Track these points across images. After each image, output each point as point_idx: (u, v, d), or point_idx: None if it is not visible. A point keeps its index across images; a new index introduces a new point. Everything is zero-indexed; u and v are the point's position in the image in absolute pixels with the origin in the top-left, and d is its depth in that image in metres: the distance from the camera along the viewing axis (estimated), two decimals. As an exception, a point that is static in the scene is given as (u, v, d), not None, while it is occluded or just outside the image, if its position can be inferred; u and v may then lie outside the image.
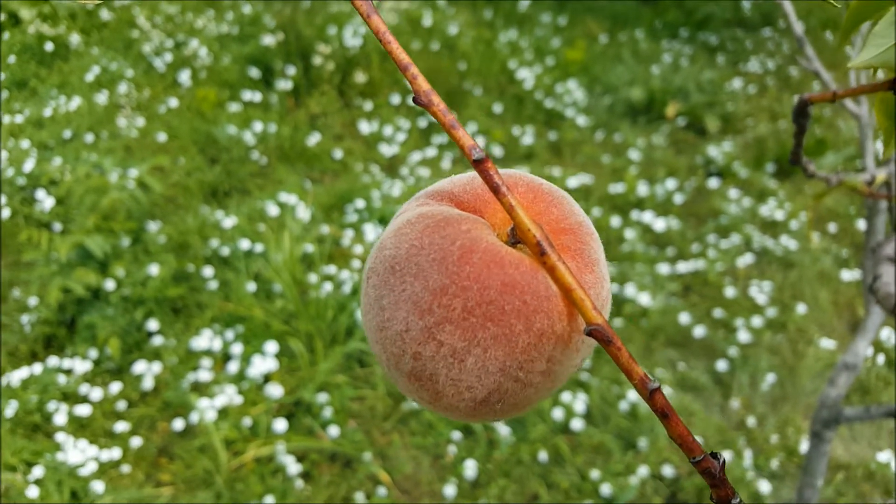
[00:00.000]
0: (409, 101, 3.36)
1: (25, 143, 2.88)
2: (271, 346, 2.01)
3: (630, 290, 2.35)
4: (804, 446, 1.89)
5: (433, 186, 0.38)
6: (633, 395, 1.99)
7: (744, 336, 2.23)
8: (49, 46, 3.55)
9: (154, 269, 2.20)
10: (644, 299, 2.31)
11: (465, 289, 0.31)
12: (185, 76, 3.41)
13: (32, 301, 2.17)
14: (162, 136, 2.99)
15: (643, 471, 1.80)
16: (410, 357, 0.32)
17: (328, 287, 2.21)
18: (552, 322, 0.31)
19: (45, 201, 2.52)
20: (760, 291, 2.43)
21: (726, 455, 1.86)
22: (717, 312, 2.33)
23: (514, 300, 0.31)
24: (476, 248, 0.31)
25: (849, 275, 2.51)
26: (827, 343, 2.23)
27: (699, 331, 2.24)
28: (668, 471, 1.82)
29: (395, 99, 3.37)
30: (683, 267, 2.52)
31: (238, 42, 3.67)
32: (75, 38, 3.66)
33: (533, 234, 0.30)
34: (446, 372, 0.32)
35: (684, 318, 2.28)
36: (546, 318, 0.31)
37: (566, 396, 1.96)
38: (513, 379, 0.32)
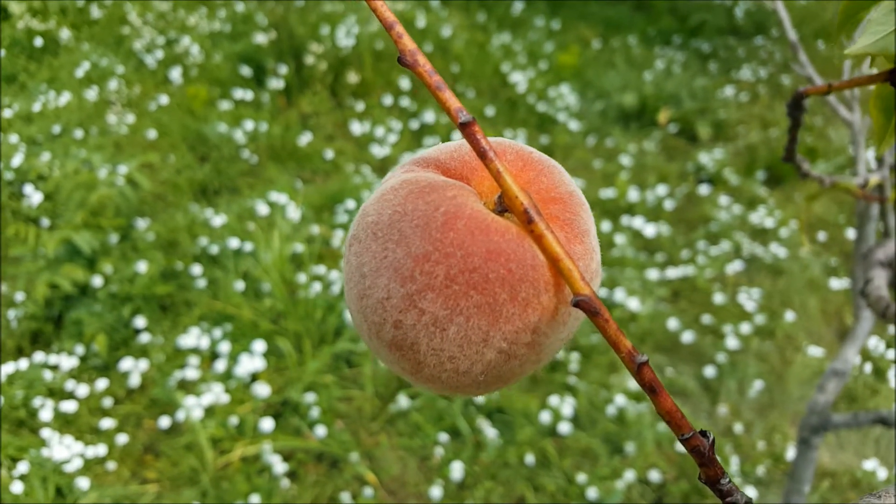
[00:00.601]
0: (402, 103, 3.37)
1: (14, 138, 2.87)
2: (259, 346, 2.02)
3: (619, 294, 2.37)
4: (791, 453, 1.91)
5: (419, 154, 0.37)
6: (620, 399, 2.00)
7: (732, 342, 2.25)
8: (39, 42, 3.55)
9: (142, 267, 2.20)
10: (633, 304, 2.33)
11: (449, 255, 0.30)
12: (176, 73, 3.41)
13: (19, 296, 2.16)
14: (152, 134, 2.99)
15: (630, 475, 1.82)
16: (391, 326, 0.32)
17: (317, 287, 2.21)
18: (538, 292, 0.31)
19: (33, 196, 2.52)
20: (749, 298, 2.45)
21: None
22: (706, 318, 2.35)
23: (498, 268, 0.30)
24: (461, 214, 0.31)
25: (838, 283, 2.54)
26: (815, 350, 2.26)
27: (687, 336, 2.26)
28: (654, 475, 1.83)
29: (388, 100, 3.39)
30: (673, 273, 2.54)
31: (230, 40, 3.68)
32: (65, 34, 3.65)
33: (520, 201, 0.29)
34: (427, 341, 0.31)
35: (673, 323, 2.30)
36: (532, 288, 0.31)
37: (554, 400, 1.98)
38: (496, 350, 0.31)
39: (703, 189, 3.07)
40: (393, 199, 0.33)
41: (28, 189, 2.55)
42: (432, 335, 0.31)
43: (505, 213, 0.33)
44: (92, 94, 3.24)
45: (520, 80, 3.74)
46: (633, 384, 2.07)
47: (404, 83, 3.44)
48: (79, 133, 2.96)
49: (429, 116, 3.26)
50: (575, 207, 0.35)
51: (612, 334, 0.28)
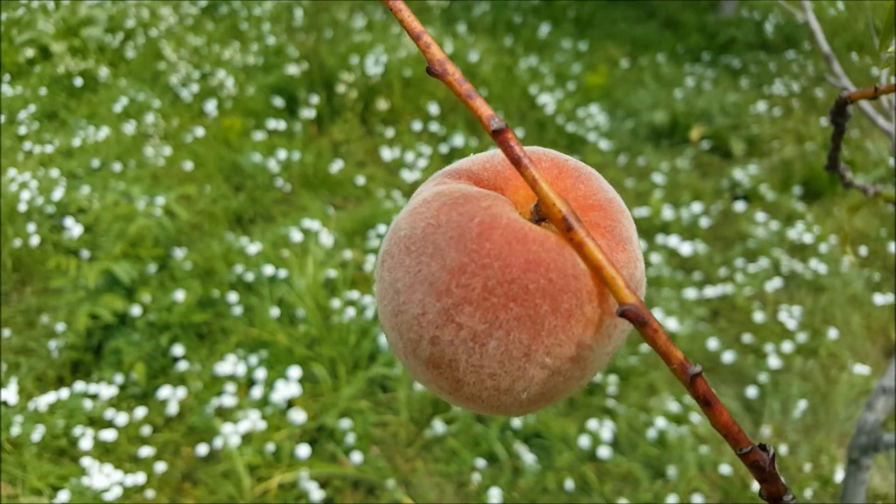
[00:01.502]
0: (431, 128, 3.40)
1: (55, 173, 2.96)
2: (294, 372, 2.03)
3: (657, 315, 2.33)
4: (839, 475, 1.85)
5: (452, 165, 0.36)
6: (661, 422, 1.96)
7: (774, 362, 2.20)
8: (79, 81, 3.66)
9: (180, 295, 2.24)
10: (671, 325, 2.29)
11: (485, 267, 0.29)
12: (211, 106, 3.49)
13: (60, 327, 2.21)
14: (188, 165, 3.06)
15: (672, 500, 1.77)
16: (428, 342, 0.31)
17: (351, 312, 2.22)
18: (581, 302, 0.30)
19: (74, 229, 2.59)
20: (790, 316, 2.40)
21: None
22: (746, 338, 2.30)
23: (538, 278, 0.29)
24: (497, 224, 0.30)
25: (882, 299, 2.47)
26: (860, 369, 2.19)
27: (728, 356, 2.21)
28: (697, 500, 1.78)
29: (417, 125, 3.42)
30: (711, 291, 2.50)
31: (263, 72, 3.76)
32: (104, 71, 3.77)
33: (558, 208, 0.28)
34: (466, 357, 0.30)
35: (712, 343, 2.26)
36: (574, 298, 0.29)
37: (592, 424, 1.95)
38: (539, 365, 0.30)
39: (739, 206, 3.02)
40: (425, 211, 0.32)
41: (69, 222, 2.62)
42: (471, 351, 0.30)
43: (542, 222, 0.32)
44: (130, 128, 3.33)
45: (548, 101, 3.75)
46: (673, 406, 2.02)
47: (433, 108, 3.48)
48: (117, 166, 3.04)
49: (458, 140, 3.28)
50: (615, 214, 0.34)
51: (662, 345, 0.27)
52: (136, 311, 2.20)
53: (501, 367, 0.30)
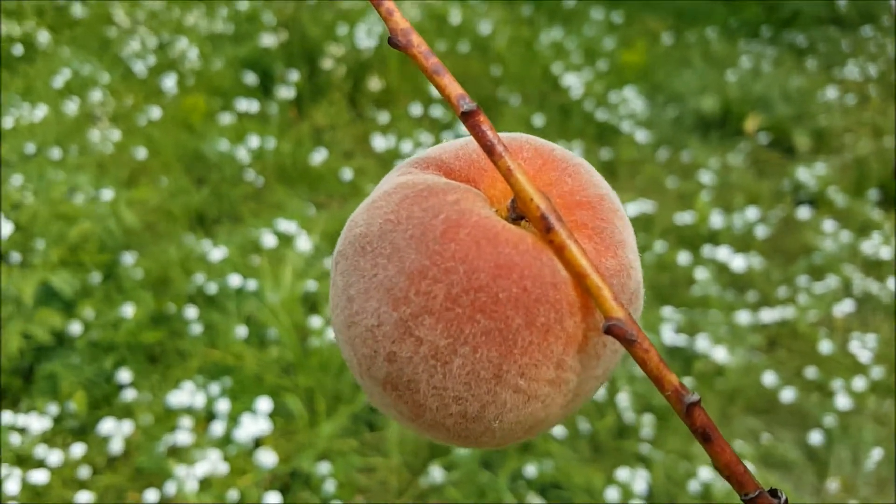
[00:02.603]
0: (433, 113, 3.41)
1: (-18, 159, 2.97)
2: (264, 404, 2.02)
3: (702, 343, 2.33)
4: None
5: (420, 153, 0.37)
6: (705, 472, 1.95)
7: (843, 401, 2.19)
8: (18, 49, 3.68)
9: (128, 310, 2.24)
10: (719, 355, 2.29)
11: (449, 271, 0.30)
12: (169, 82, 3.50)
13: (-16, 345, 2.21)
14: (141, 153, 3.07)
15: (718, 567, 1.77)
16: (384, 359, 0.31)
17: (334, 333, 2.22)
18: (560, 316, 0.30)
19: (3, 227, 2.59)
20: (863, 347, 2.39)
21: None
22: (810, 372, 2.30)
23: (510, 286, 0.29)
24: (464, 222, 0.30)
25: (974, 327, 2.47)
26: (948, 412, 2.18)
27: (788, 394, 2.21)
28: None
29: (416, 109, 3.43)
30: (768, 315, 2.49)
31: (233, 42, 3.77)
32: (43, 37, 3.79)
33: (536, 204, 0.29)
34: (427, 378, 0.30)
35: (769, 378, 2.25)
36: (552, 311, 0.30)
37: (623, 473, 1.94)
38: (512, 388, 0.30)
39: (803, 212, 3.02)
40: (385, 205, 0.32)
41: (-2, 219, 2.63)
42: (433, 370, 0.30)
43: (521, 221, 0.32)
44: (72, 106, 3.34)
45: (574, 83, 3.75)
46: (720, 453, 2.02)
47: (436, 89, 3.48)
48: (56, 152, 3.05)
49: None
50: (606, 214, 0.34)
51: (653, 368, 0.27)
52: (75, 328, 2.20)
53: (468, 390, 0.30)
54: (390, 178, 0.36)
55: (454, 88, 0.30)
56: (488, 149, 0.29)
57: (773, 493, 0.27)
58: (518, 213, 0.32)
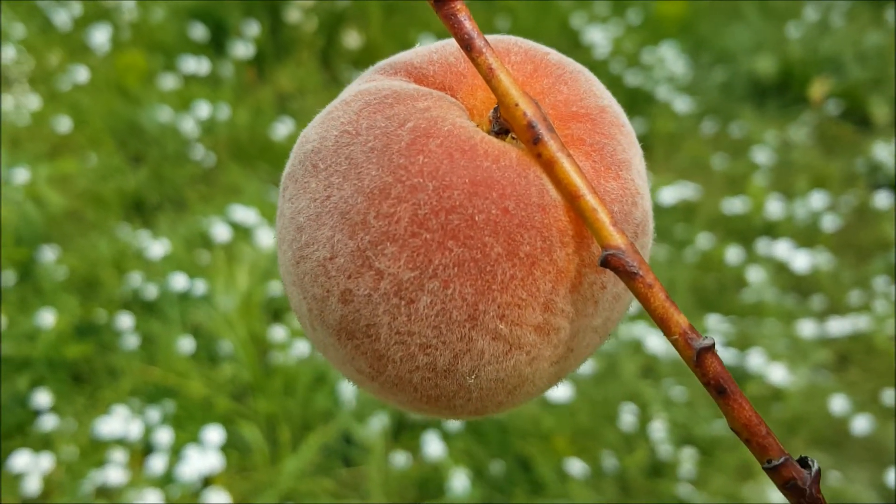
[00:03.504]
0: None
1: None
2: (214, 434, 2.02)
3: (755, 359, 2.33)
4: None
5: (388, 59, 0.37)
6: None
7: (929, 432, 2.19)
8: None
9: (48, 318, 2.23)
10: (777, 374, 2.29)
11: (416, 189, 0.29)
12: (100, 36, 3.49)
13: None
14: (65, 124, 3.06)
15: None
16: (338, 300, 0.31)
17: (301, 347, 2.22)
18: (549, 245, 0.30)
19: None
20: (955, 364, 2.40)
21: None
22: (888, 396, 2.30)
23: (489, 207, 0.29)
24: (435, 131, 0.30)
25: None
26: None
27: (861, 423, 2.21)
28: None
29: (406, 71, 3.42)
30: (837, 326, 2.49)
31: (178, -13, 3.76)
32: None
33: (522, 110, 0.28)
34: (389, 321, 0.30)
35: (838, 403, 2.25)
36: (539, 239, 0.29)
37: (657, 519, 1.94)
38: (490, 334, 0.30)
39: (882, 199, 3.02)
40: (341, 115, 0.32)
41: None
42: (396, 311, 0.30)
43: (505, 136, 0.32)
44: (-21, 67, 3.33)
45: (599, 39, 3.75)
46: (776, 496, 2.02)
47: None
48: (-40, 124, 3.05)
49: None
50: (608, 128, 0.34)
51: (658, 307, 0.27)
52: (-19, 339, 2.19)
53: (437, 336, 0.30)
54: (351, 87, 0.35)
55: None
56: (466, 43, 0.29)
57: (804, 461, 0.27)
58: (501, 126, 0.31)
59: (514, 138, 0.31)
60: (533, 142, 0.28)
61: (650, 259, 0.33)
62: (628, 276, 0.27)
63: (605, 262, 0.27)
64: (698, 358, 0.27)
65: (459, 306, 0.29)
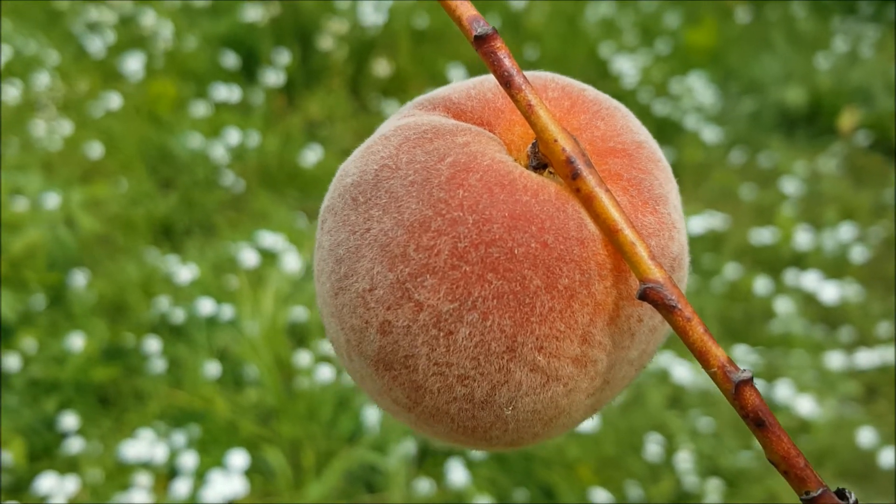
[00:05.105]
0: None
1: None
2: (239, 458, 2.03)
3: (783, 391, 2.31)
4: None
5: (426, 94, 0.38)
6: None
7: (960, 467, 2.16)
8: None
9: (77, 341, 2.25)
10: (805, 407, 2.27)
11: (456, 222, 0.30)
12: (133, 64, 3.53)
13: None
14: (97, 150, 3.09)
15: None
16: (376, 331, 0.31)
17: (326, 372, 2.22)
18: (587, 278, 0.30)
19: (-72, 238, 2.62)
20: None
21: None
22: (919, 429, 2.27)
23: (528, 241, 0.29)
24: (475, 166, 0.31)
25: None
26: None
27: (888, 456, 2.18)
28: None
29: (434, 100, 3.43)
30: (866, 358, 2.47)
31: (211, 16, 3.81)
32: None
33: (561, 146, 0.29)
34: (428, 352, 0.30)
35: (867, 436, 2.23)
36: (578, 272, 0.30)
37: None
38: (528, 366, 0.30)
39: (911, 230, 2.99)
40: (381, 150, 0.33)
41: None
42: (434, 342, 0.30)
43: (543, 170, 0.32)
44: (13, 92, 3.38)
45: (627, 68, 3.75)
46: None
47: (456, 73, 3.50)
48: (-5, 149, 3.09)
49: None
50: (645, 164, 0.34)
51: (696, 340, 0.27)
52: (13, 362, 2.21)
53: (475, 367, 0.30)
54: (389, 122, 0.36)
55: (466, 9, 0.30)
56: (505, 80, 0.29)
57: (841, 493, 0.27)
58: (540, 160, 0.32)
59: (551, 173, 0.31)
60: (572, 177, 0.29)
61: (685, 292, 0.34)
62: (667, 310, 0.27)
63: (644, 296, 0.28)
64: (737, 391, 0.27)
65: (498, 338, 0.30)
